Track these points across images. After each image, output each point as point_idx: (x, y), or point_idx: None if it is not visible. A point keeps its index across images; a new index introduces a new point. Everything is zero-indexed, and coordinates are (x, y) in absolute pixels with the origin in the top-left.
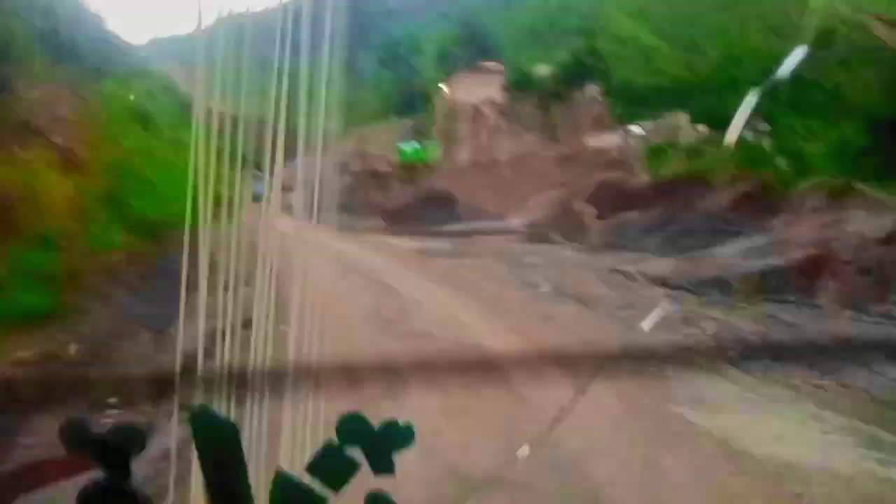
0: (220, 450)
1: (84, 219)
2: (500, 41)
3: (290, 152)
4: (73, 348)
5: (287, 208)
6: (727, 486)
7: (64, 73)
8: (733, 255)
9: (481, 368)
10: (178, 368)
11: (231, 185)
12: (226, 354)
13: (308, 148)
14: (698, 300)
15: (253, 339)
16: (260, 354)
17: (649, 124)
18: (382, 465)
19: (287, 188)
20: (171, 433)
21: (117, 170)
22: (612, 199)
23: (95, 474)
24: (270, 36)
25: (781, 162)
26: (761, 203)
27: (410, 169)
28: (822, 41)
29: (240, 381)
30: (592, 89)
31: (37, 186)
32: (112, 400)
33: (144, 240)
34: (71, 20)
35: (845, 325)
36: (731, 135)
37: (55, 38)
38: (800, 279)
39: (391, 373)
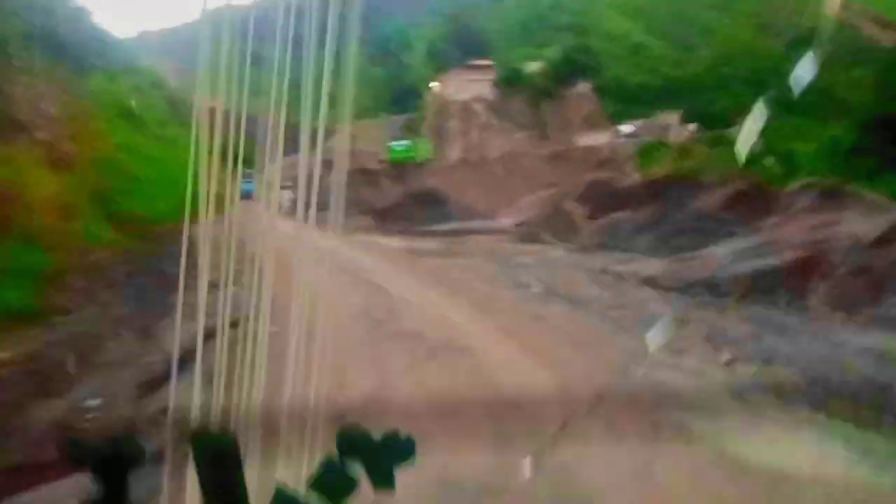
0: (221, 469)
1: (70, 216)
2: (490, 38)
3: (281, 149)
4: (70, 364)
5: (277, 206)
6: (721, 494)
7: (50, 68)
8: (724, 255)
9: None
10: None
11: (221, 182)
12: (215, 356)
13: (299, 145)
14: (689, 302)
15: (241, 340)
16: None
17: (640, 123)
18: (382, 479)
19: (277, 186)
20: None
21: (104, 166)
22: (603, 199)
23: (76, 479)
24: (259, 31)
25: (771, 161)
26: (752, 203)
27: (401, 167)
28: (810, 40)
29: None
30: (583, 87)
31: (22, 183)
32: (93, 402)
33: (131, 237)
34: (57, 15)
35: (836, 327)
36: (742, 150)
37: (42, 33)
38: (791, 281)
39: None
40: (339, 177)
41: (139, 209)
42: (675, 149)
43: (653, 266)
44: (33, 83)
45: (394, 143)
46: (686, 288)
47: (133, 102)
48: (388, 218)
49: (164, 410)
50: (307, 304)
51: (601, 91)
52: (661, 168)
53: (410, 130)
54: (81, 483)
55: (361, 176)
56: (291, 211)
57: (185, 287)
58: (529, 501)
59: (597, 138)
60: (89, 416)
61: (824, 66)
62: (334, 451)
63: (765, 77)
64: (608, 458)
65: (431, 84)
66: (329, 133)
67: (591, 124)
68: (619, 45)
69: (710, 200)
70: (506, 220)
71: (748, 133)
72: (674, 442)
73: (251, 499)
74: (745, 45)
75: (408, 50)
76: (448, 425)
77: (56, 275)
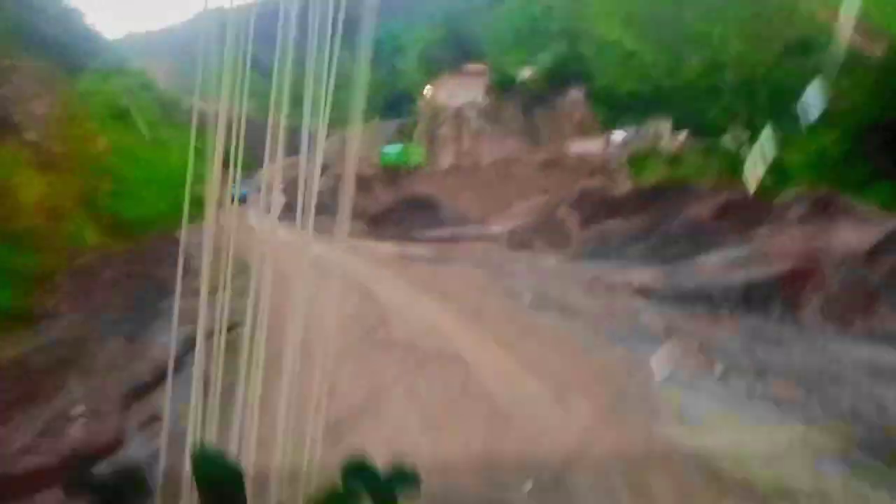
0: (223, 492)
1: (58, 218)
2: (483, 44)
3: (272, 153)
4: (78, 409)
5: (268, 210)
6: None
7: (41, 68)
8: (716, 265)
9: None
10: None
11: (213, 185)
12: (202, 361)
13: (291, 149)
14: (682, 312)
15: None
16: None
17: (632, 130)
18: None
19: (271, 189)
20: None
21: (93, 168)
22: (595, 207)
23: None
24: (254, 34)
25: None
26: (744, 212)
27: (393, 172)
28: (801, 49)
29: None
30: (575, 94)
31: (10, 184)
32: (78, 409)
33: (119, 240)
34: (48, 15)
35: (830, 339)
36: (751, 179)
37: (32, 33)
38: (784, 292)
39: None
40: (347, 185)
41: (128, 212)
42: (667, 157)
43: (645, 275)
44: (23, 83)
45: (386, 147)
46: (678, 298)
47: (126, 103)
48: (381, 223)
49: (153, 418)
50: (300, 312)
51: (593, 98)
52: (652, 176)
53: (403, 135)
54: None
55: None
56: (284, 215)
57: (174, 292)
58: None
59: (589, 145)
60: (76, 423)
61: (814, 77)
62: (339, 482)
63: (756, 86)
64: (597, 470)
65: (424, 89)
66: (319, 137)
67: (582, 131)
68: (611, 53)
69: (701, 209)
70: (498, 227)
71: (756, 162)
72: (667, 457)
73: None
74: (737, 54)
75: (400, 55)
76: (440, 437)
77: (43, 277)
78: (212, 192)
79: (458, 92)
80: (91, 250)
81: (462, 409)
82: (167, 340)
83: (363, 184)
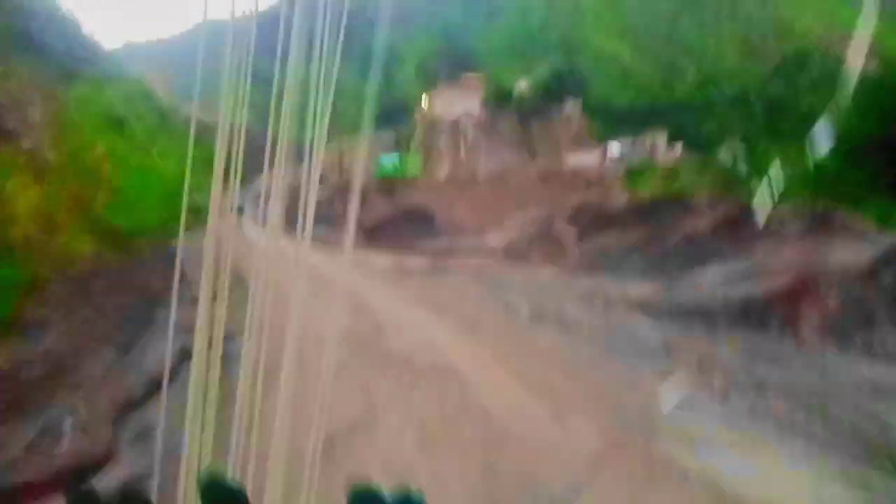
0: None
1: (51, 227)
2: (480, 55)
3: (269, 163)
4: (68, 423)
5: (264, 220)
6: None
7: (37, 75)
8: (714, 280)
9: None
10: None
11: (209, 195)
12: (194, 373)
13: (287, 159)
14: (679, 327)
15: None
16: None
17: (628, 142)
18: None
19: (265, 199)
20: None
21: (88, 176)
22: (591, 220)
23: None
24: (250, 44)
25: (757, 184)
26: (741, 227)
27: (389, 182)
28: (796, 64)
29: None
30: (572, 106)
31: (3, 192)
32: (67, 424)
33: (113, 250)
34: (46, 22)
35: (829, 357)
36: (761, 211)
37: (28, 39)
38: (782, 308)
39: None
40: (353, 198)
41: (123, 221)
42: (663, 170)
43: (642, 289)
44: (19, 90)
45: (382, 158)
46: (676, 313)
47: (123, 112)
48: (376, 234)
49: (145, 432)
50: (297, 324)
51: (589, 110)
52: (648, 189)
53: (399, 146)
54: None
55: (349, 191)
56: (280, 225)
57: (167, 303)
58: None
59: (585, 158)
60: (66, 437)
61: (807, 92)
62: None
63: (751, 100)
64: (600, 490)
65: (421, 100)
66: (316, 147)
67: (579, 143)
68: (607, 66)
69: (698, 223)
70: (494, 239)
71: (765, 196)
72: (668, 477)
73: None
74: (732, 68)
75: (397, 65)
76: (436, 455)
77: (35, 287)
78: (211, 202)
79: (455, 103)
80: (85, 260)
81: (458, 428)
82: (160, 352)
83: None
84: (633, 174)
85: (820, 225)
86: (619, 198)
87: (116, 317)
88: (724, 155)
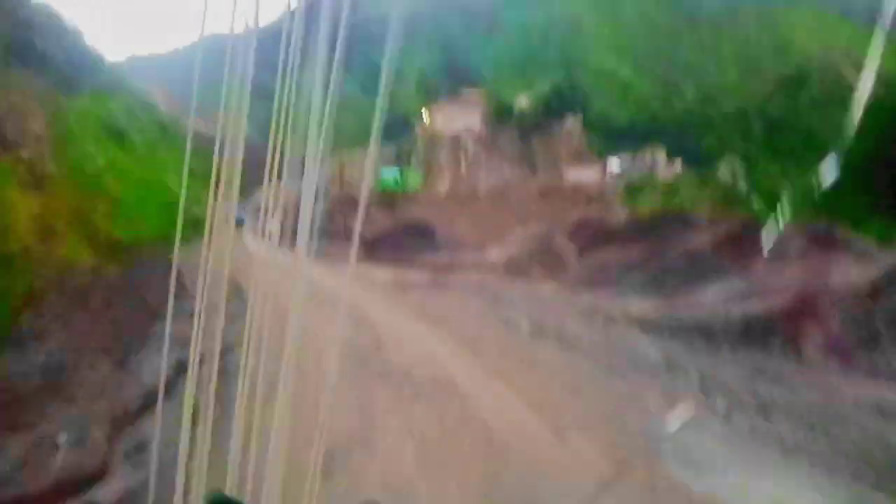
0: None
1: (50, 238)
2: (481, 71)
3: (269, 176)
4: (63, 436)
5: (265, 233)
6: None
7: (39, 87)
8: (715, 298)
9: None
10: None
11: (209, 208)
12: (190, 386)
13: (289, 172)
14: (681, 345)
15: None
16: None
17: (628, 159)
18: None
19: (266, 213)
20: None
21: (88, 187)
22: (592, 236)
23: None
24: (253, 58)
25: (757, 202)
26: (742, 244)
27: (389, 196)
28: (796, 82)
29: None
30: (572, 122)
31: (2, 202)
32: (62, 438)
33: (112, 261)
34: (49, 34)
35: (833, 377)
36: (770, 240)
37: (31, 50)
38: (784, 327)
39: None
40: (360, 212)
41: (121, 232)
42: (663, 186)
43: (643, 306)
44: (20, 101)
45: (383, 172)
46: (677, 330)
47: (124, 124)
48: (376, 247)
49: (140, 446)
50: (295, 337)
51: (589, 126)
52: (648, 205)
53: (400, 160)
54: None
55: (350, 204)
56: (280, 238)
57: (165, 315)
58: None
59: (585, 173)
60: (60, 450)
61: (806, 110)
62: None
63: (751, 118)
64: None
65: (421, 115)
66: (316, 161)
67: (579, 159)
68: (607, 82)
69: (699, 240)
70: (494, 254)
71: (774, 224)
72: (671, 498)
73: None
74: (731, 86)
75: (398, 80)
76: (435, 472)
77: (33, 298)
78: (211, 215)
79: (456, 118)
80: (83, 271)
81: (458, 444)
82: (158, 365)
83: (359, 207)
84: (633, 190)
85: (822, 244)
86: (619, 214)
87: (114, 329)
88: (724, 172)
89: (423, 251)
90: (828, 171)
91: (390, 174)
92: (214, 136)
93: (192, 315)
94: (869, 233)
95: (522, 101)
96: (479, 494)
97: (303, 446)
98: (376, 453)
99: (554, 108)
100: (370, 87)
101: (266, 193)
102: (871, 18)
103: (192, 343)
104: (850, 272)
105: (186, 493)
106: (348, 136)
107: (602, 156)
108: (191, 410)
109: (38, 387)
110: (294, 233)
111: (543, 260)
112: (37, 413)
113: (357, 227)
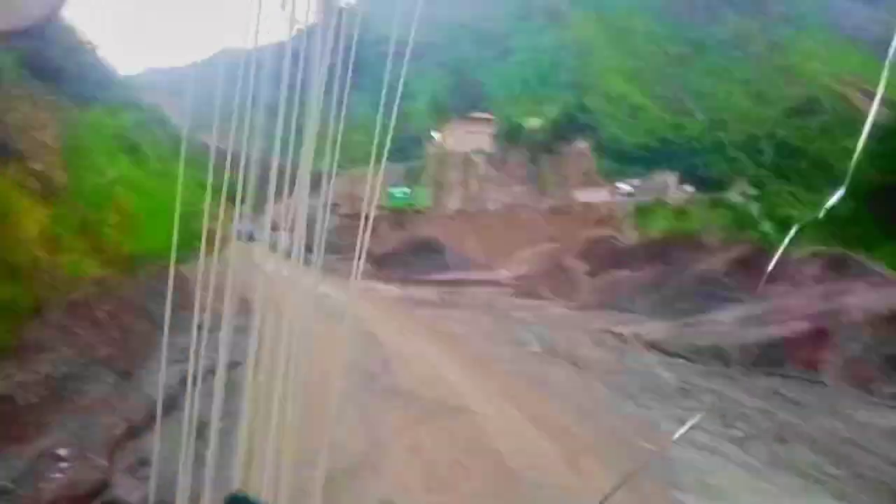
0: None
1: (58, 249)
2: (492, 93)
3: (280, 191)
4: (64, 450)
5: (275, 248)
6: None
7: (51, 98)
8: (730, 322)
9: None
10: None
11: (219, 222)
12: (195, 402)
13: (299, 188)
14: (696, 370)
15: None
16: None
17: (638, 182)
18: None
19: (276, 228)
20: None
21: (98, 199)
22: (602, 257)
23: None
24: (266, 74)
25: (768, 226)
26: (755, 269)
27: (399, 214)
28: (806, 109)
29: None
30: (581, 144)
31: (9, 213)
32: (63, 451)
33: (120, 273)
34: (60, 46)
35: (853, 405)
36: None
37: (44, 63)
38: (801, 353)
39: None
40: (365, 226)
41: (129, 245)
42: (674, 209)
43: (656, 329)
44: (31, 113)
45: (393, 189)
46: (692, 354)
47: (135, 136)
48: (386, 264)
49: (143, 461)
50: (301, 353)
51: (599, 149)
52: (659, 228)
53: (410, 178)
54: None
55: (359, 221)
56: (290, 254)
57: (173, 328)
58: None
59: (595, 195)
60: (61, 465)
61: (818, 136)
62: None
63: (761, 143)
64: None
65: (432, 134)
66: (326, 177)
67: (588, 181)
68: (617, 106)
69: (711, 264)
70: (503, 273)
71: (788, 249)
72: None
73: None
74: (741, 111)
75: (410, 99)
76: (444, 498)
77: (36, 310)
78: (218, 227)
79: (466, 138)
80: (90, 283)
81: (468, 468)
82: (163, 379)
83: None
84: (644, 212)
85: (836, 269)
86: (630, 234)
87: (120, 341)
88: (735, 196)
89: (432, 269)
90: (834, 196)
91: (401, 192)
92: (227, 150)
93: (197, 328)
94: (881, 259)
95: (533, 123)
96: None
97: (308, 466)
98: (383, 474)
99: (564, 130)
100: (383, 107)
101: (276, 208)
102: (882, 45)
103: (191, 358)
104: (868, 298)
105: None
106: (361, 153)
107: (612, 178)
108: (194, 425)
109: (41, 399)
110: (304, 248)
111: (553, 279)
112: (39, 425)
113: (358, 242)
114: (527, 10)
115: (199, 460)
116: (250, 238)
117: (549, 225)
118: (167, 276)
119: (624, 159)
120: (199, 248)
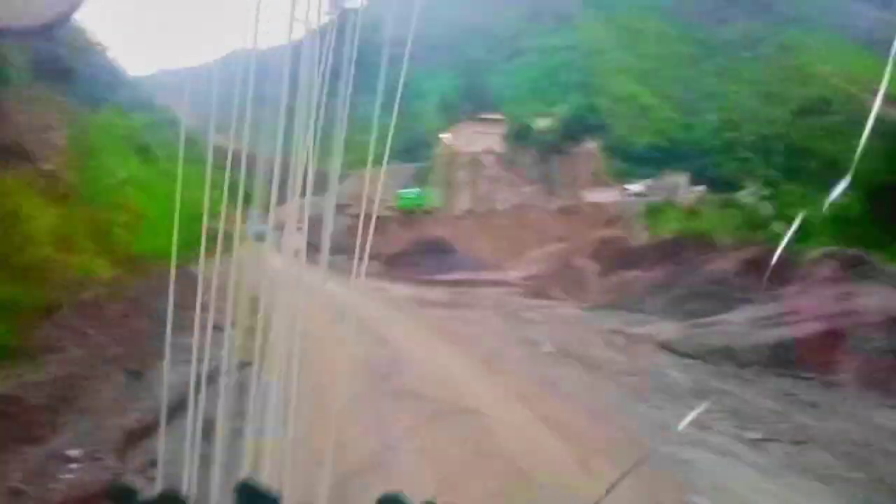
0: None
1: (68, 249)
2: (501, 93)
3: (290, 192)
4: (74, 451)
5: (284, 248)
6: None
7: (62, 100)
8: (743, 323)
9: None
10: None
11: (228, 221)
12: (200, 404)
13: (309, 188)
14: (709, 371)
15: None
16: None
17: (649, 182)
18: None
19: (285, 228)
20: None
21: (108, 200)
22: (613, 257)
23: None
24: (276, 75)
25: (780, 227)
26: (767, 269)
27: (409, 214)
28: (817, 109)
29: None
30: (591, 145)
31: (19, 212)
32: (74, 452)
33: (130, 274)
34: (71, 47)
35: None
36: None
37: (55, 64)
38: (816, 355)
39: None
40: (367, 226)
41: (140, 246)
42: (684, 210)
43: (667, 329)
44: (42, 113)
45: (403, 190)
46: (705, 355)
47: (146, 137)
48: (396, 264)
49: (153, 461)
50: (309, 353)
51: (609, 150)
52: (670, 228)
53: (420, 179)
54: None
55: (369, 221)
56: (300, 254)
57: (183, 329)
58: None
59: (604, 195)
60: (71, 466)
61: (828, 137)
62: None
63: (772, 143)
64: None
65: (442, 135)
66: (342, 176)
67: (598, 181)
68: (627, 107)
69: (723, 264)
70: (513, 273)
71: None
72: None
73: None
74: (751, 112)
75: (420, 100)
76: (455, 496)
77: (48, 310)
78: (223, 227)
79: (476, 139)
80: (100, 283)
81: (479, 469)
82: (174, 379)
83: (379, 225)
84: (654, 212)
85: (851, 269)
86: (640, 235)
87: (130, 342)
88: (747, 196)
89: (442, 269)
90: (834, 194)
91: (410, 192)
92: (239, 151)
93: (205, 328)
94: (893, 258)
95: (542, 124)
96: None
97: (316, 468)
98: (393, 476)
99: (573, 131)
100: (391, 107)
101: (287, 209)
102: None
103: (194, 359)
104: (885, 299)
105: None
106: (371, 155)
107: (622, 179)
108: (200, 426)
109: (52, 399)
110: (314, 248)
111: (563, 280)
112: (49, 426)
113: (358, 242)
114: (536, 12)
115: (205, 461)
116: (260, 238)
117: (559, 225)
118: (178, 276)
119: (634, 160)
120: (208, 248)
